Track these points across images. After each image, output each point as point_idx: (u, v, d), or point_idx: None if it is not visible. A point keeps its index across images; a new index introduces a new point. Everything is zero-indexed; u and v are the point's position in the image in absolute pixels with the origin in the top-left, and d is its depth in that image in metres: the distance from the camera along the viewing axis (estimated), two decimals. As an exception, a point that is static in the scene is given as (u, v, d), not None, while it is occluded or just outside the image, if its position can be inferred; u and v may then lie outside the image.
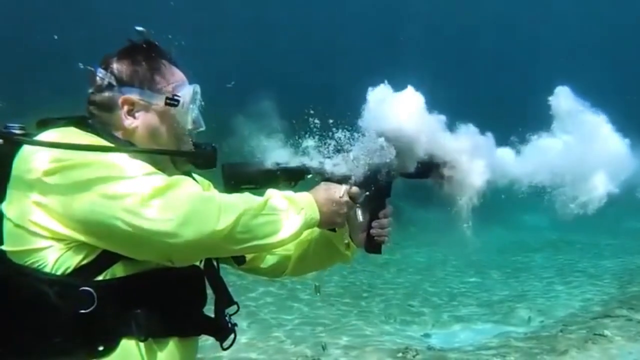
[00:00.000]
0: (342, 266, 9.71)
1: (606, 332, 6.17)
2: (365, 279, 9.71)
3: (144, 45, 1.67)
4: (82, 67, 1.64)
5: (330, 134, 1.74)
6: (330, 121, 1.73)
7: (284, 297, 8.24)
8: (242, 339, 6.22)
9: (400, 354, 5.67)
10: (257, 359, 5.83)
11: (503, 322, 7.51)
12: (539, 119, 1.87)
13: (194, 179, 1.75)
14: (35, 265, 1.43)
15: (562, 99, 1.84)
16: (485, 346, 6.26)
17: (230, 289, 1.81)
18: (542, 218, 15.99)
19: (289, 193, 1.62)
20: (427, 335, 7.01)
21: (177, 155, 1.68)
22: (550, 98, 1.86)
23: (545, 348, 5.89)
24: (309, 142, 1.77)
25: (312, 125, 1.73)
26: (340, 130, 1.74)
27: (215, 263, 1.79)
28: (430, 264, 11.57)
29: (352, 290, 8.92)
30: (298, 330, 6.83)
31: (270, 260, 1.99)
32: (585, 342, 5.95)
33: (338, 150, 1.76)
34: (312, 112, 1.71)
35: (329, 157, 1.77)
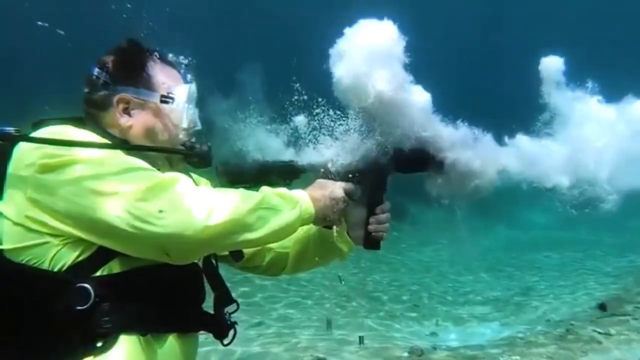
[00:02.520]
0: (347, 265, 9.71)
1: (612, 331, 6.15)
2: (370, 278, 9.70)
3: (140, 45, 1.68)
4: (40, 24, 1.65)
5: (315, 109, 1.75)
6: (320, 99, 1.74)
7: (287, 296, 8.24)
8: (243, 337, 6.23)
9: (406, 354, 5.66)
10: (260, 357, 5.83)
11: (508, 320, 7.50)
12: (535, 114, 1.87)
13: (191, 178, 1.75)
14: (32, 262, 1.43)
15: (551, 68, 1.82)
16: (490, 345, 6.24)
17: (230, 287, 1.82)
18: (547, 216, 15.94)
19: (283, 189, 1.63)
20: (432, 334, 7.01)
21: (171, 153, 1.69)
22: (539, 68, 1.84)
23: (550, 347, 5.86)
24: (299, 119, 1.77)
25: (298, 100, 1.74)
26: (323, 108, 1.74)
27: (214, 262, 1.79)
28: (435, 262, 11.56)
29: (357, 290, 8.91)
30: (301, 329, 6.83)
31: (268, 258, 2.00)
32: (591, 340, 5.93)
33: (324, 128, 1.77)
34: (297, 84, 1.72)
35: (322, 151, 1.78)
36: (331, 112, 1.76)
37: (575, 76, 1.84)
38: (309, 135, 1.78)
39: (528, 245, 13.80)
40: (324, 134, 1.78)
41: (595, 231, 13.79)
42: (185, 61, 1.74)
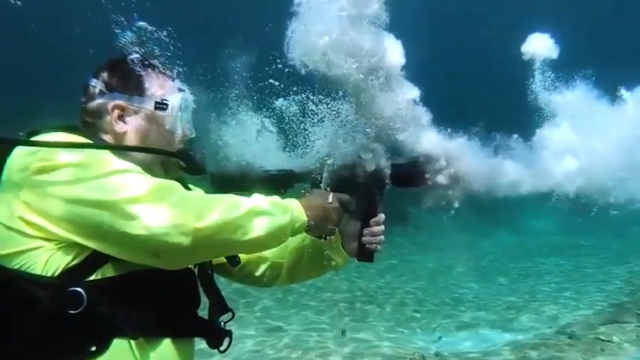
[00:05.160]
0: (347, 271, 9.69)
1: (615, 339, 6.11)
2: (370, 285, 9.67)
3: (135, 54, 1.70)
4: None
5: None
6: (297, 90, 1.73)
7: (289, 303, 8.22)
8: (244, 345, 6.20)
9: (407, 360, 5.64)
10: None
11: (511, 328, 7.45)
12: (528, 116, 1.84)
13: (187, 186, 1.75)
14: (25, 267, 1.43)
15: (537, 45, 1.78)
16: (492, 352, 6.21)
17: (226, 295, 1.82)
18: (549, 222, 15.90)
19: (275, 197, 1.65)
20: (434, 342, 6.97)
21: (165, 155, 1.71)
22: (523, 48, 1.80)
23: (553, 354, 5.84)
24: (280, 102, 1.77)
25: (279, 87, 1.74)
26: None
27: (209, 271, 1.80)
28: (436, 269, 11.52)
29: (358, 296, 8.89)
30: (303, 336, 6.80)
31: (263, 267, 2.01)
32: (594, 348, 5.90)
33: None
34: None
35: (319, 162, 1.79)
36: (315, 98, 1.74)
37: (571, 69, 1.81)
38: (295, 124, 1.77)
39: (530, 250, 13.75)
40: (309, 122, 1.76)
41: (598, 237, 13.74)
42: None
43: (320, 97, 1.73)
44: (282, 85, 1.73)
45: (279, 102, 1.77)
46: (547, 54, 1.77)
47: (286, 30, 1.65)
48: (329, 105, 1.73)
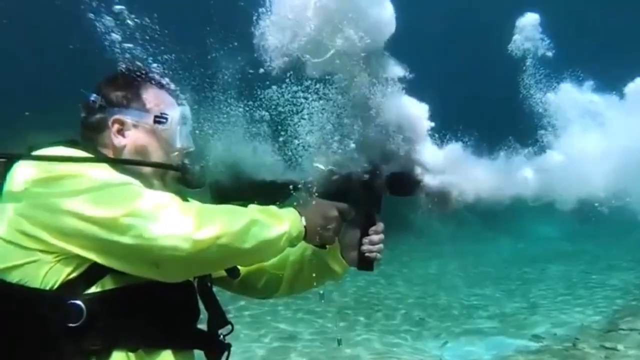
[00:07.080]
0: (351, 278, 9.67)
1: (619, 347, 6.07)
2: (374, 292, 9.65)
3: (135, 70, 1.72)
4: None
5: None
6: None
7: (293, 310, 8.20)
8: (251, 353, 6.18)
9: (410, 368, 5.61)
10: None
11: (514, 335, 7.41)
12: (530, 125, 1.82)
13: (186, 199, 1.74)
14: (24, 281, 1.44)
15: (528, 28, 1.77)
16: (496, 359, 6.18)
17: (228, 306, 1.81)
18: (552, 228, 15.85)
19: (273, 207, 1.67)
20: (438, 349, 6.94)
21: (164, 168, 1.72)
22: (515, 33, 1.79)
23: (557, 362, 5.81)
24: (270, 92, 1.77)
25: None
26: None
27: (209, 283, 1.80)
28: (439, 275, 11.50)
29: (362, 303, 8.87)
30: (308, 343, 6.78)
31: (262, 280, 2.01)
32: (598, 356, 5.86)
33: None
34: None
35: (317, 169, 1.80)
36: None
37: (566, 66, 1.79)
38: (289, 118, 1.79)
39: (534, 257, 13.70)
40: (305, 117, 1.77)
41: (602, 243, 13.68)
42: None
43: (312, 88, 1.74)
44: (269, 82, 1.74)
45: (269, 92, 1.78)
46: (542, 46, 1.77)
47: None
48: (322, 98, 1.75)
